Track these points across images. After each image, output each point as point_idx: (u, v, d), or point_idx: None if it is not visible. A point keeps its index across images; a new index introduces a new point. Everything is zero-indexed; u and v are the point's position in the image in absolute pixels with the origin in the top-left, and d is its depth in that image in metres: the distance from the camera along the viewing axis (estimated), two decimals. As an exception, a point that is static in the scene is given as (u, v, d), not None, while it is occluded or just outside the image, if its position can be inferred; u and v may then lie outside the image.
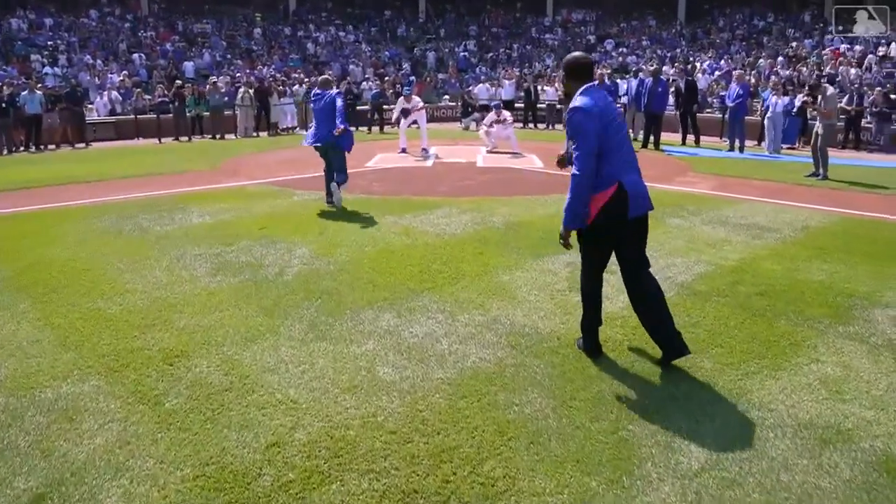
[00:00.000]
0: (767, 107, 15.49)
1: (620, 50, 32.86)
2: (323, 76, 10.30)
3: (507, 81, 23.13)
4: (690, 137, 16.76)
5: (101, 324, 4.76)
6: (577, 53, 4.16)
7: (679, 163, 13.48)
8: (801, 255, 6.47)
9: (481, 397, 3.66)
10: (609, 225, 3.84)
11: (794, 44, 28.88)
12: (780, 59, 25.68)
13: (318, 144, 8.87)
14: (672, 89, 17.70)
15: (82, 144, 17.78)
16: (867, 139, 16.50)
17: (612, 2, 40.55)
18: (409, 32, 38.41)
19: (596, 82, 3.98)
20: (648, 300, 4.00)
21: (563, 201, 3.88)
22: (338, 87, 24.13)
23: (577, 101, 3.82)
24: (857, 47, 25.81)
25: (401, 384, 3.82)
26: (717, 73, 24.66)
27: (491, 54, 35.06)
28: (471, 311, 4.99)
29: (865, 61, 22.87)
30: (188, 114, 19.46)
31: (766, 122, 15.54)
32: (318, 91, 9.17)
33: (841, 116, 15.20)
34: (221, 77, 24.85)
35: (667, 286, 4.99)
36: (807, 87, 14.95)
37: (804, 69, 22.70)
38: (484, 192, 10.05)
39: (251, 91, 20.37)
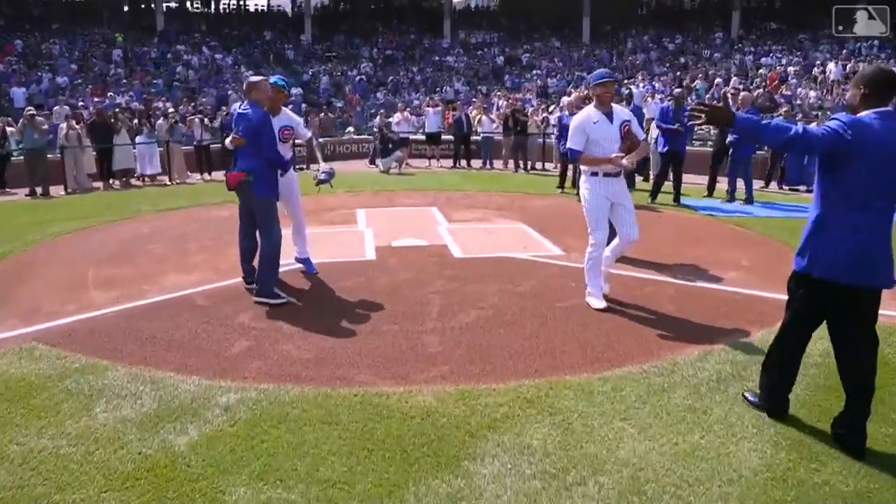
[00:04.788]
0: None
1: (535, 72, 28.57)
2: (248, 80, 5.64)
3: (430, 110, 17.77)
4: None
5: None
6: (883, 66, 3.06)
7: (771, 242, 7.87)
8: None
9: None
10: None
11: (721, 65, 25.63)
12: (718, 80, 22.11)
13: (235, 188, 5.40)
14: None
15: None
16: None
17: (511, 23, 36.55)
18: (295, 55, 32.40)
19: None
20: None
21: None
22: (209, 120, 17.93)
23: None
24: (791, 69, 22.79)
25: None
26: (658, 96, 20.56)
27: (392, 78, 29.77)
28: None
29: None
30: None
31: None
32: (245, 106, 5.41)
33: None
34: (57, 107, 18.08)
35: None
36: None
37: (759, 91, 19.02)
38: (528, 352, 4.46)
39: (79, 127, 13.76)
